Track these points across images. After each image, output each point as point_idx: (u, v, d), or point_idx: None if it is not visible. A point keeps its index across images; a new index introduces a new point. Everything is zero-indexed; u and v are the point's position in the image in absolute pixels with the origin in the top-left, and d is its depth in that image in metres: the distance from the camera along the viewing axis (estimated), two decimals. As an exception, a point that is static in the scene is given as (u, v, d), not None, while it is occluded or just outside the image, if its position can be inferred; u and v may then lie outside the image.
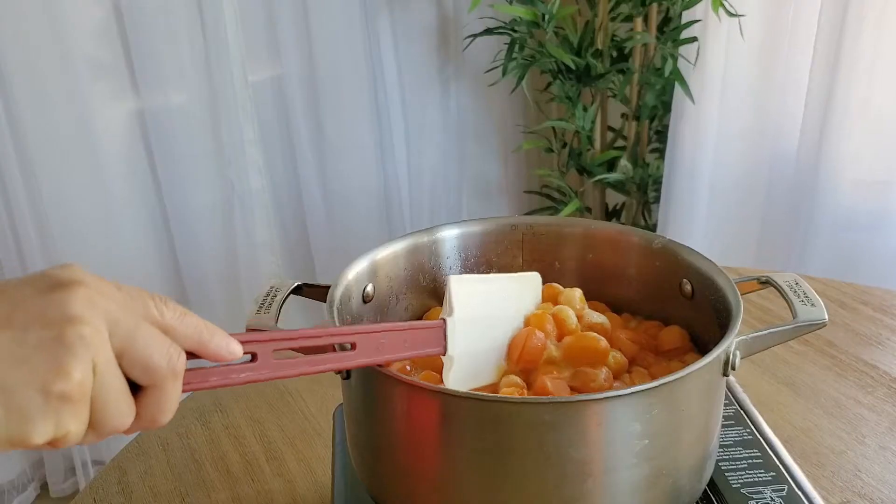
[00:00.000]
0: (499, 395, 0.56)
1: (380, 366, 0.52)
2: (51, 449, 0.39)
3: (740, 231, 1.73)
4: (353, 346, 0.50)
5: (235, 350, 0.44)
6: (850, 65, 1.46)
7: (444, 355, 0.56)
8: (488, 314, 0.59)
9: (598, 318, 0.64)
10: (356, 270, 0.63)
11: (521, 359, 0.59)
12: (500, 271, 0.71)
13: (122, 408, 0.40)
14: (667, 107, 1.74)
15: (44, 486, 1.78)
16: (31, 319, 0.37)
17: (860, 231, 1.55)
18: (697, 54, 1.61)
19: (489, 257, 0.71)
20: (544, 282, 0.69)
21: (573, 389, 0.58)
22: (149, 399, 0.41)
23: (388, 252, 0.66)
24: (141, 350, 0.39)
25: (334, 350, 0.50)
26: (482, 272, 0.71)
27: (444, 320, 0.56)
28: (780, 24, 1.56)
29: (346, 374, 0.56)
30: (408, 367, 0.62)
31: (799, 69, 1.56)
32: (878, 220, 1.55)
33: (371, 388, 0.55)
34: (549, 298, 0.66)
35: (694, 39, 1.60)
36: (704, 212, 1.72)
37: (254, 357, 0.46)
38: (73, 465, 1.74)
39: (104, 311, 0.38)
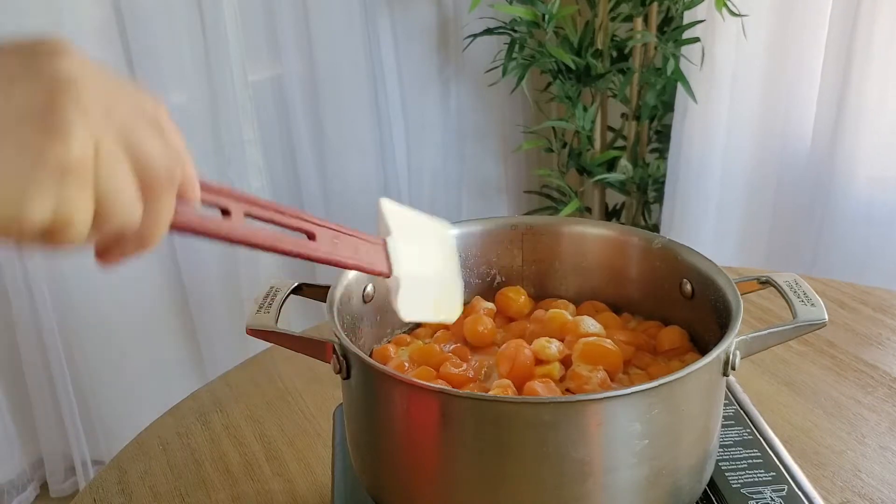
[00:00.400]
0: (499, 396, 0.56)
1: (334, 265, 0.50)
2: (53, 245, 0.33)
3: (751, 230, 1.73)
4: (313, 237, 0.48)
5: (196, 191, 0.39)
6: (862, 62, 1.45)
7: (389, 277, 0.54)
8: (420, 243, 0.58)
9: (593, 327, 0.63)
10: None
11: (511, 374, 0.59)
12: (500, 271, 0.71)
13: (130, 193, 0.34)
14: (667, 107, 1.74)
15: (44, 486, 1.78)
16: (16, 75, 0.31)
17: (876, 226, 1.55)
18: (703, 54, 1.60)
19: (489, 257, 0.71)
20: (544, 282, 0.69)
21: (568, 392, 0.58)
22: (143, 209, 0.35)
23: (388, 252, 0.66)
24: (139, 145, 0.34)
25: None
26: (482, 272, 0.71)
27: (384, 240, 0.54)
28: (790, 22, 1.55)
29: (347, 374, 0.56)
30: (406, 365, 0.62)
31: (811, 67, 1.56)
32: (894, 215, 1.54)
33: (371, 388, 0.55)
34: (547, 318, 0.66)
35: (696, 40, 1.60)
36: (713, 212, 1.71)
37: (226, 212, 0.43)
38: (73, 464, 1.74)
39: (100, 90, 0.33)
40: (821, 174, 1.58)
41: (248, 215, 0.43)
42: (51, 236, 0.32)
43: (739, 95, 1.62)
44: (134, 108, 0.34)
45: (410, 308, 0.55)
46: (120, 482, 0.80)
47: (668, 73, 1.63)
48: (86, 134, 0.31)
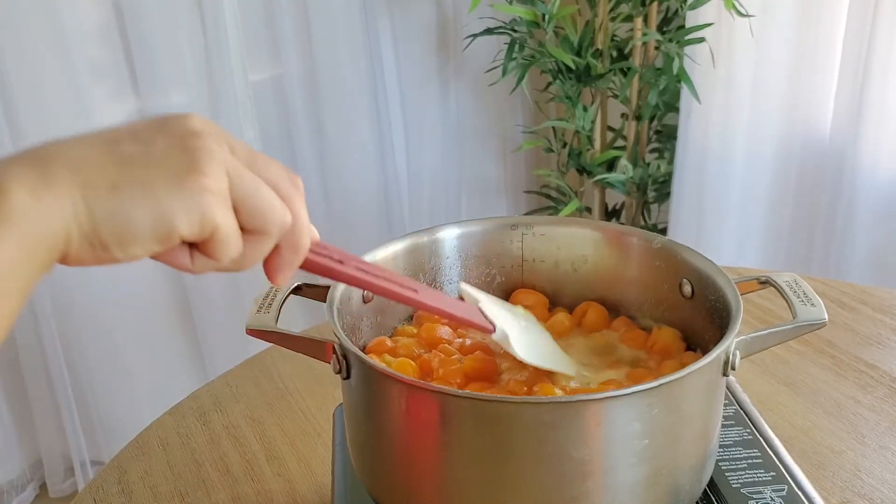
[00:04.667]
0: (499, 396, 0.56)
1: (441, 315, 0.55)
2: (218, 256, 0.41)
3: (771, 228, 1.72)
4: (416, 291, 0.52)
5: (314, 234, 0.45)
6: (881, 54, 1.44)
7: (493, 332, 0.57)
8: (510, 314, 0.62)
9: None
10: (356, 270, 0.63)
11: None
12: (499, 272, 0.71)
13: (273, 198, 0.41)
14: (668, 106, 1.74)
15: (43, 487, 1.78)
16: (155, 134, 0.40)
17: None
18: (712, 54, 1.60)
19: (489, 257, 0.71)
20: (544, 282, 0.69)
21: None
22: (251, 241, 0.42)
23: (388, 252, 0.66)
24: (265, 168, 0.42)
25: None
26: (482, 272, 0.71)
27: (478, 305, 0.58)
28: (808, 18, 1.54)
29: (347, 374, 0.56)
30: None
31: (829, 62, 1.55)
32: None
33: (371, 388, 0.55)
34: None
35: (702, 40, 1.60)
36: (733, 211, 1.70)
37: (342, 260, 0.47)
38: (73, 465, 1.73)
39: (222, 135, 0.41)
40: (840, 170, 1.57)
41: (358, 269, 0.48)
42: (211, 246, 0.40)
43: (754, 94, 1.61)
44: (247, 148, 0.43)
45: (528, 352, 0.58)
46: (120, 482, 0.80)
47: (674, 72, 1.63)
48: (218, 168, 0.39)
